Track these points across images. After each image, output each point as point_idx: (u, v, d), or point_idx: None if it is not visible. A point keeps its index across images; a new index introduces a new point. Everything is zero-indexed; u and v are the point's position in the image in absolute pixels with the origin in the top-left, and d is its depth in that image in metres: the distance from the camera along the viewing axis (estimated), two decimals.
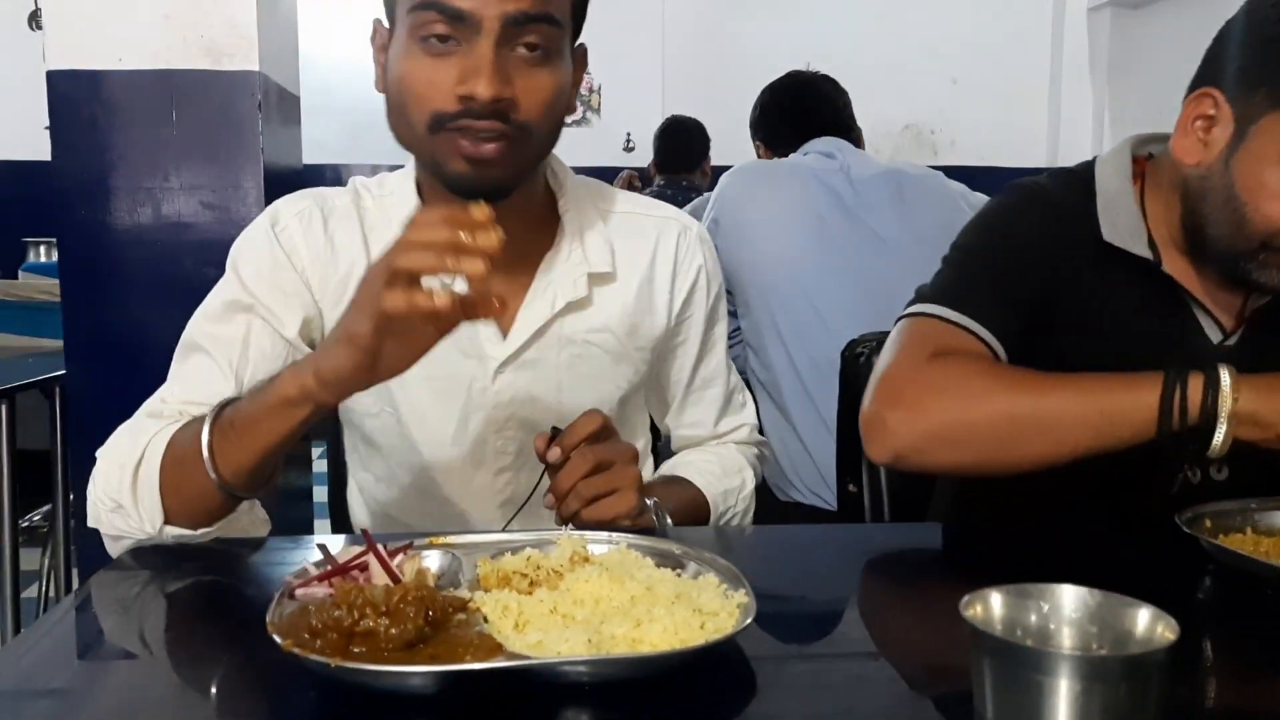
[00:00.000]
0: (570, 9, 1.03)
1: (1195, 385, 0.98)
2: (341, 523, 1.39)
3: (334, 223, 1.13)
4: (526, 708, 0.67)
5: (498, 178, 1.02)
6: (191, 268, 2.12)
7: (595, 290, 1.15)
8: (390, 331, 0.84)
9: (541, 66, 1.00)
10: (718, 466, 1.26)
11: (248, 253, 1.12)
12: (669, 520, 1.08)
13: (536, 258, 1.14)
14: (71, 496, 2.38)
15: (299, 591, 0.78)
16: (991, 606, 0.53)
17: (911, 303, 1.16)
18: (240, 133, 2.10)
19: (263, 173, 2.12)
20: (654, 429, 1.37)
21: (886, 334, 1.19)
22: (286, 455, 0.98)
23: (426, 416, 1.15)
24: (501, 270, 1.08)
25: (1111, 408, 1.00)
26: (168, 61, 2.06)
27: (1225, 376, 0.98)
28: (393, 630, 0.69)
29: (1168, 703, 0.50)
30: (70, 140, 2.07)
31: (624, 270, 1.18)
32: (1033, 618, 0.53)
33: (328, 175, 5.64)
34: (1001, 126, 5.99)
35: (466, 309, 0.82)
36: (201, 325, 1.10)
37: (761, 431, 1.40)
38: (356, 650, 0.68)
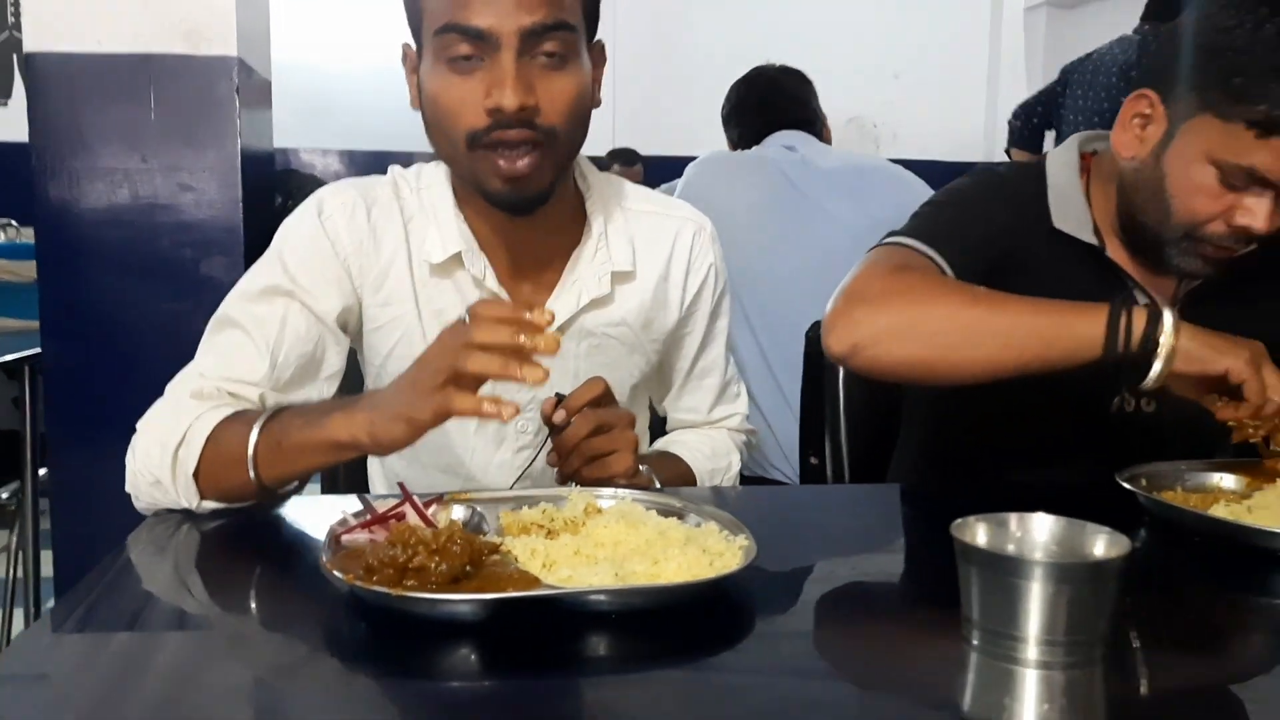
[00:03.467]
0: (583, 12, 1.10)
1: (1140, 317, 1.06)
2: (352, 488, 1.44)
3: (376, 212, 1.18)
4: (558, 634, 0.76)
5: (534, 190, 1.10)
6: (168, 248, 2.15)
7: (617, 287, 1.23)
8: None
9: (561, 71, 1.07)
10: (708, 448, 1.35)
11: (293, 239, 1.17)
12: (658, 485, 1.16)
13: (564, 254, 1.21)
14: (42, 473, 2.40)
15: (344, 538, 0.86)
16: (976, 530, 0.63)
17: (882, 240, 1.25)
18: (217, 116, 2.14)
19: (239, 155, 2.16)
20: (653, 409, 1.46)
21: None
22: None
23: None
24: (530, 266, 1.17)
25: (1059, 324, 1.07)
26: (146, 45, 2.09)
27: (1168, 315, 1.06)
28: (442, 566, 0.77)
29: (1118, 606, 0.60)
30: (48, 122, 2.09)
31: (643, 268, 1.25)
32: (1009, 540, 0.64)
33: (277, 159, 5.63)
34: (941, 121, 6.16)
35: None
36: (240, 303, 1.14)
37: None
38: (408, 584, 0.77)
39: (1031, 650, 0.58)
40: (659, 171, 3.87)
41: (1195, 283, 1.27)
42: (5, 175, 2.96)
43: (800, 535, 1.07)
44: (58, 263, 2.14)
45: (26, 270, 2.77)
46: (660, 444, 1.37)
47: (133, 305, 2.14)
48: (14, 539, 2.59)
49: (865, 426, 1.62)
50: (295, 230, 1.17)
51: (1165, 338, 1.05)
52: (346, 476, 1.44)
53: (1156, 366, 1.05)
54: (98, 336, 2.12)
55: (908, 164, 2.21)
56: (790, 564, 0.95)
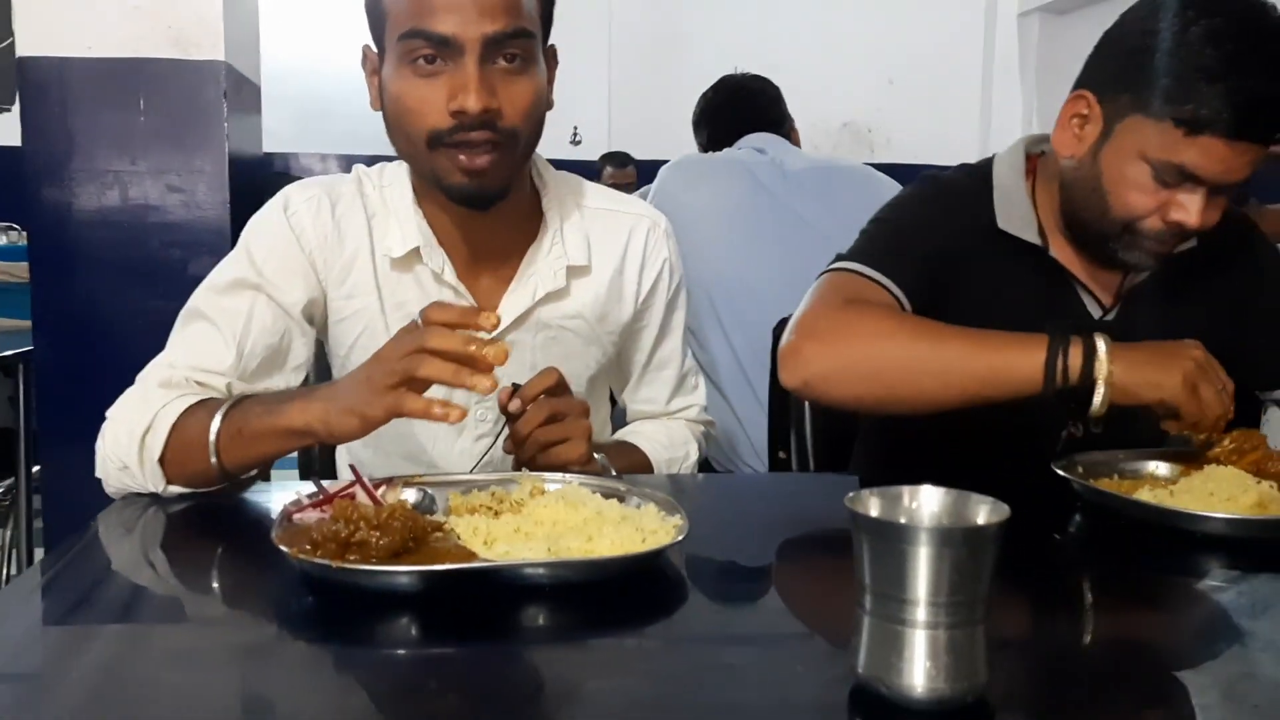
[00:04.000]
0: (539, 17, 1.15)
1: (1075, 351, 1.10)
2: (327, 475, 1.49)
3: (340, 208, 1.23)
4: (495, 607, 0.80)
5: (492, 186, 1.14)
6: (157, 249, 2.21)
7: (572, 281, 1.27)
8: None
9: (521, 75, 1.12)
10: (665, 438, 1.38)
11: (260, 234, 1.21)
12: (613, 473, 1.20)
13: (521, 249, 1.25)
14: (35, 470, 2.45)
15: (295, 516, 0.90)
16: (869, 502, 0.67)
17: (831, 264, 1.30)
18: (206, 120, 2.19)
19: (227, 158, 2.21)
20: (614, 401, 1.50)
21: None
22: None
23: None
24: (487, 260, 1.22)
25: (1000, 361, 1.11)
26: (136, 50, 2.15)
27: (1101, 345, 1.10)
28: (383, 541, 0.81)
29: (1010, 570, 0.64)
30: (40, 125, 2.15)
31: (598, 263, 1.29)
32: (901, 512, 0.68)
33: (276, 163, 5.68)
34: (935, 126, 6.18)
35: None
36: (208, 296, 1.19)
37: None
38: (351, 558, 0.81)
39: (918, 612, 0.62)
40: (655, 175, 3.91)
41: (1139, 278, 1.31)
42: (10, 180, 3.02)
43: (738, 519, 1.12)
44: (49, 263, 2.20)
45: (25, 272, 2.82)
46: (618, 434, 1.41)
47: (122, 305, 2.19)
48: (8, 535, 2.63)
49: (830, 423, 1.65)
50: (262, 226, 1.22)
51: (1101, 369, 1.08)
52: (322, 465, 1.49)
53: (1097, 399, 1.09)
54: (88, 336, 2.18)
55: (902, 169, 2.24)
56: (721, 542, 1.00)
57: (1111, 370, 1.08)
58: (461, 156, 1.11)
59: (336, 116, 5.94)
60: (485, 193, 1.14)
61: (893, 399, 1.16)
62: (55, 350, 2.20)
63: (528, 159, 1.20)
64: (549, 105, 1.18)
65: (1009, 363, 1.11)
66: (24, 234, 3.79)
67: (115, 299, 2.19)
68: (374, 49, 1.17)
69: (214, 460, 1.04)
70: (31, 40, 2.13)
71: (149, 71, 2.16)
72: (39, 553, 2.25)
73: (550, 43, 1.20)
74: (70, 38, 2.13)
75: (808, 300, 1.24)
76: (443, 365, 0.92)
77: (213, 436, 1.03)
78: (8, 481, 2.59)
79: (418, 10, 1.08)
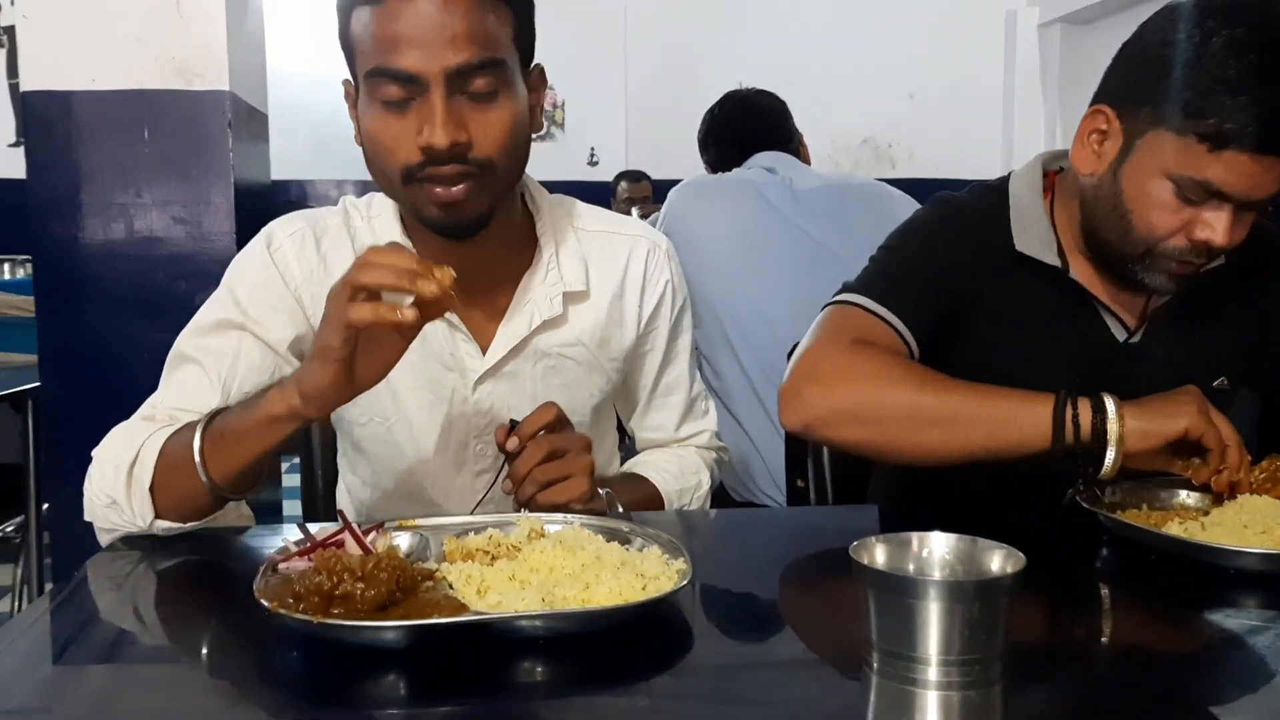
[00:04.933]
0: (514, 43, 1.10)
1: (1085, 407, 1.06)
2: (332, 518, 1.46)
3: (326, 242, 1.20)
4: (489, 662, 0.76)
5: (471, 215, 1.10)
6: (164, 281, 2.19)
7: (570, 307, 1.23)
8: (359, 343, 0.92)
9: (492, 105, 1.07)
10: (676, 467, 1.34)
11: (243, 272, 1.19)
12: (620, 509, 1.16)
13: (515, 277, 1.21)
14: (45, 507, 2.43)
15: (281, 566, 0.87)
16: (875, 551, 0.63)
17: (837, 293, 1.26)
18: (211, 150, 2.17)
19: (233, 188, 2.19)
20: (622, 430, 1.46)
21: None
22: (273, 460, 1.06)
23: (413, 425, 1.23)
24: (481, 289, 1.18)
25: (1005, 414, 1.08)
26: (140, 81, 2.14)
27: (1109, 402, 1.06)
28: (368, 593, 0.77)
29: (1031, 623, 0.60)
30: (45, 158, 2.14)
31: (597, 287, 1.25)
32: (910, 560, 0.63)
33: (293, 190, 5.70)
34: (957, 139, 6.14)
35: (426, 310, 0.90)
36: (193, 339, 1.16)
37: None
38: (335, 611, 0.77)
39: (928, 671, 0.58)
40: None
41: (1164, 299, 1.26)
42: (19, 213, 3.02)
43: (748, 558, 1.07)
44: (55, 296, 2.18)
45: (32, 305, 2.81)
46: (627, 466, 1.37)
47: (129, 338, 2.17)
48: (19, 572, 2.61)
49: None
50: (245, 264, 1.19)
51: (1113, 425, 1.05)
52: (325, 509, 1.46)
53: (1110, 455, 1.05)
54: (94, 369, 2.16)
55: (924, 183, 2.20)
56: (730, 585, 0.95)
57: (1123, 422, 1.05)
58: (436, 189, 1.08)
59: (350, 141, 5.96)
60: (462, 223, 1.11)
61: (894, 448, 1.14)
62: (61, 384, 2.18)
63: (511, 186, 1.16)
64: (537, 128, 1.15)
65: (1015, 416, 1.08)
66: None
67: (121, 332, 2.17)
68: (352, 83, 1.14)
69: (203, 476, 1.01)
70: (35, 74, 2.12)
71: (153, 103, 2.14)
72: (49, 588, 2.23)
73: (536, 63, 1.16)
74: (74, 71, 2.12)
75: (811, 337, 1.21)
76: (384, 271, 0.88)
77: (197, 449, 1.01)
78: (18, 519, 2.58)
79: (381, 47, 1.05)
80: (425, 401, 1.21)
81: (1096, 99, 1.19)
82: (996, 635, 0.58)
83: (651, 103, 5.89)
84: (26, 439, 2.49)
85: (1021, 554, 0.60)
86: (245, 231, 2.22)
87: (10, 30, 5.35)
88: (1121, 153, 1.15)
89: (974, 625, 0.57)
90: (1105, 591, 1.00)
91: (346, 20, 1.09)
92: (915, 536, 0.64)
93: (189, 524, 1.05)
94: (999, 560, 0.61)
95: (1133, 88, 1.14)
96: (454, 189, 1.07)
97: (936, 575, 0.61)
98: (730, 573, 1.00)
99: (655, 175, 5.08)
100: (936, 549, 0.63)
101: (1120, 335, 1.27)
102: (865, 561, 0.61)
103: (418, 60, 1.03)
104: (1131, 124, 1.14)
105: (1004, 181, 1.31)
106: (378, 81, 1.06)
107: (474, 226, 1.11)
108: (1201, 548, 0.94)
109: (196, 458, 1.01)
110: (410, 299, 0.88)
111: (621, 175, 5.09)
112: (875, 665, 0.60)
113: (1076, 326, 1.26)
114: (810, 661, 0.81)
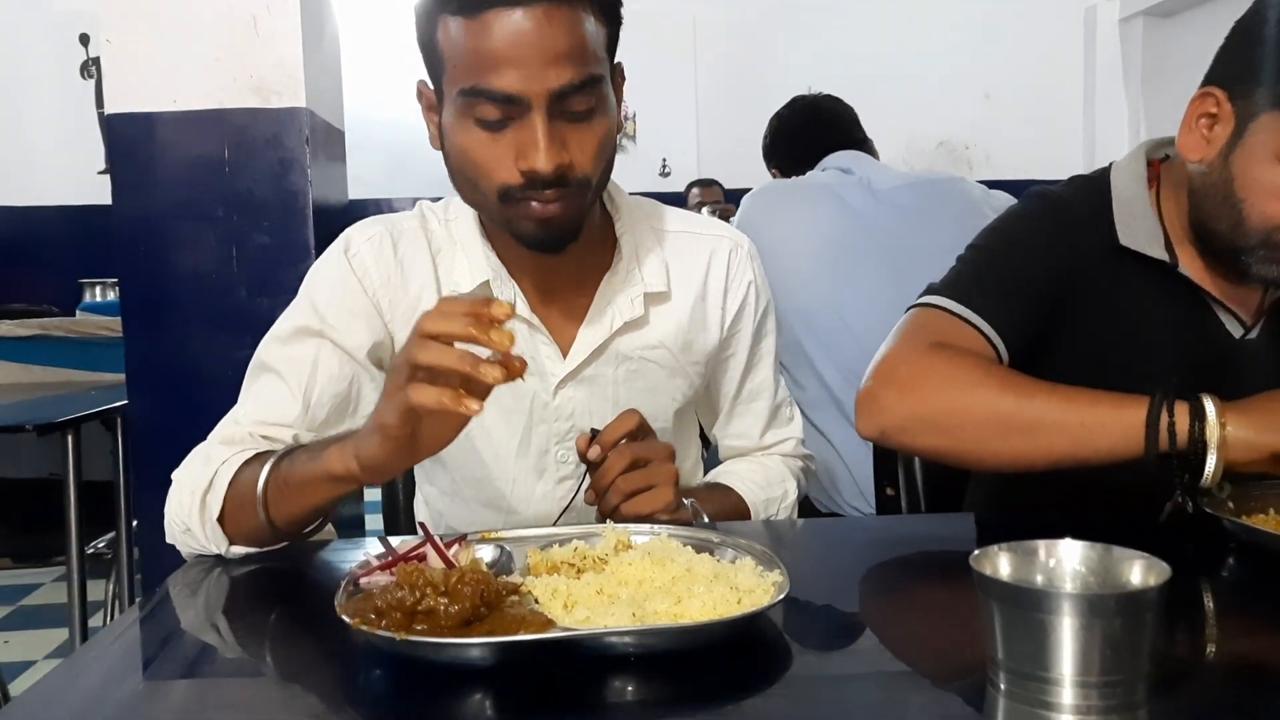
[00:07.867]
0: (606, 53, 1.06)
1: (1181, 411, 0.98)
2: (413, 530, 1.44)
3: (403, 247, 1.17)
4: (577, 680, 0.72)
5: (567, 230, 1.07)
6: (245, 299, 2.21)
7: (651, 309, 1.20)
8: (419, 420, 0.87)
9: (590, 122, 1.04)
10: (761, 476, 1.29)
11: (321, 279, 1.17)
12: (705, 520, 1.12)
13: (595, 279, 1.18)
14: (135, 524, 2.46)
15: (363, 580, 0.84)
16: (999, 561, 0.58)
17: (921, 295, 1.20)
18: (289, 167, 2.19)
19: (311, 204, 2.20)
20: (704, 438, 1.42)
21: None
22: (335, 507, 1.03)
23: (492, 432, 1.20)
24: (561, 292, 1.15)
25: (1092, 419, 1.01)
26: (219, 101, 2.16)
27: (1210, 405, 0.98)
28: (452, 608, 0.74)
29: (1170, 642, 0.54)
30: (129, 181, 2.17)
31: (678, 289, 1.22)
32: (1037, 571, 0.58)
33: (370, 210, 5.75)
34: (1036, 139, 6.00)
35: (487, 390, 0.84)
36: (272, 348, 1.15)
37: None
38: (419, 627, 0.74)
39: (1063, 694, 0.52)
40: None
41: None
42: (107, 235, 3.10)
43: (844, 570, 1.01)
44: (140, 316, 2.21)
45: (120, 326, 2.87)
46: (711, 475, 1.32)
47: (213, 356, 2.19)
48: (110, 588, 2.65)
49: None
50: (323, 270, 1.17)
51: (1213, 431, 0.97)
52: (407, 521, 1.44)
53: (1210, 464, 0.97)
54: (180, 387, 2.18)
55: (1003, 185, 2.12)
56: (821, 600, 0.90)
57: (1223, 426, 0.96)
58: (534, 205, 1.04)
59: (426, 159, 6.03)
60: (559, 238, 1.08)
61: (973, 456, 1.08)
62: (148, 403, 2.21)
63: (600, 194, 1.13)
64: (620, 129, 1.11)
65: (1103, 421, 1.00)
66: None
67: (205, 350, 2.19)
68: (430, 86, 1.10)
69: (263, 516, 0.99)
70: (118, 97, 2.16)
71: (232, 122, 2.17)
72: (137, 602, 2.26)
73: (617, 61, 1.11)
74: (155, 92, 2.15)
75: (890, 341, 1.15)
76: (443, 350, 0.81)
77: (260, 489, 0.99)
78: (109, 536, 2.62)
79: (476, 64, 1.00)
80: (504, 407, 1.18)
81: (1206, 81, 1.12)
82: (1140, 654, 0.52)
83: (722, 112, 5.85)
84: (116, 457, 2.52)
85: (1165, 564, 0.54)
86: (324, 247, 2.23)
87: (97, 61, 5.51)
88: (1233, 137, 1.08)
89: (1116, 644, 0.51)
90: (1246, 604, 0.91)
91: (432, 27, 1.04)
92: (1042, 545, 0.58)
93: (265, 548, 1.04)
94: (1140, 571, 0.55)
95: (1246, 68, 1.07)
96: (551, 206, 1.04)
97: (1069, 587, 0.56)
98: (825, 584, 0.95)
99: (727, 185, 5.03)
100: (1067, 558, 0.58)
101: (1236, 332, 1.20)
102: (989, 572, 0.55)
103: (518, 81, 0.99)
104: (1244, 106, 1.07)
105: (1104, 173, 1.24)
106: (473, 100, 1.01)
107: (568, 240, 1.08)
108: None
109: (259, 497, 0.99)
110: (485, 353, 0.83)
111: (694, 183, 5.07)
112: (1002, 686, 0.55)
113: (1189, 324, 1.19)
114: (921, 681, 0.75)
